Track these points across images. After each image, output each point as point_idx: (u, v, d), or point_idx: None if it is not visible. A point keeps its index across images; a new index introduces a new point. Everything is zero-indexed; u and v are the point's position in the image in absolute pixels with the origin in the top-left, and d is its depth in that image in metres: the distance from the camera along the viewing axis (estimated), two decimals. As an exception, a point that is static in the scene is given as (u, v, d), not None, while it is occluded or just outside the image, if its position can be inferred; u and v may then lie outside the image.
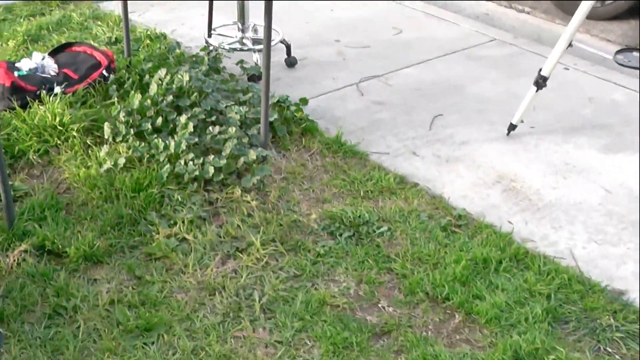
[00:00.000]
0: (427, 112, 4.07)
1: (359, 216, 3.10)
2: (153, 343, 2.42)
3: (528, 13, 5.76)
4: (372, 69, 4.55)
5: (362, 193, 3.29)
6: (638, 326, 2.59)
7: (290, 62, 4.53)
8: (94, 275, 2.73)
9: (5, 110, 3.62)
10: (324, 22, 5.21)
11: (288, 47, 4.52)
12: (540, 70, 3.64)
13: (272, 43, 3.82)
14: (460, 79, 4.48)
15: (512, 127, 3.84)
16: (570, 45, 3.55)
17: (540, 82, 3.67)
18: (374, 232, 3.03)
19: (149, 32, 4.72)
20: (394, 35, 5.11)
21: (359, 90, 4.29)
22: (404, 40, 5.03)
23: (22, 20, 5.05)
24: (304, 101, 3.90)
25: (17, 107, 3.58)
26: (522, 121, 3.84)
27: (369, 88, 4.33)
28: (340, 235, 3.00)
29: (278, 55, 4.50)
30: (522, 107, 3.77)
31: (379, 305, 2.67)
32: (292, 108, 3.80)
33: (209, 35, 4.64)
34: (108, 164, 3.25)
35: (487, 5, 5.86)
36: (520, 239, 3.05)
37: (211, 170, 3.20)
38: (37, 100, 3.65)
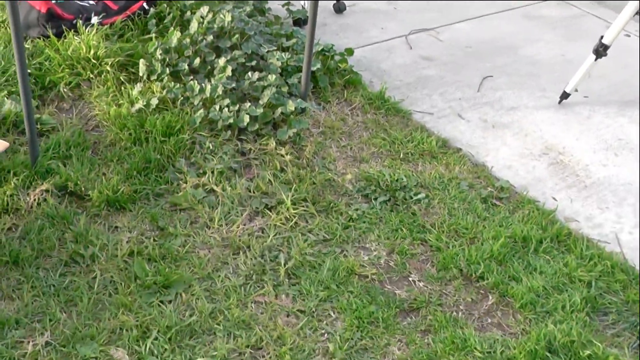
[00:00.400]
0: (477, 72, 3.87)
1: (397, 180, 2.94)
2: (170, 302, 2.32)
3: (592, -29, 5.46)
4: (423, 21, 4.33)
5: (401, 155, 3.14)
6: (683, 326, 2.43)
7: (339, 8, 4.33)
8: (115, 222, 2.62)
9: (39, 38, 3.49)
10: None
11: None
12: (602, 37, 3.41)
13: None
14: (514, 39, 4.25)
15: (564, 95, 3.64)
16: (638, 12, 3.32)
17: (601, 51, 3.44)
18: (411, 198, 2.88)
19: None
20: (449, -15, 4.87)
21: (408, 43, 4.09)
22: (459, -8, 4.79)
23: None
24: (350, 52, 3.72)
25: (52, 36, 3.45)
26: (576, 90, 3.62)
27: (418, 41, 4.13)
28: (375, 199, 2.86)
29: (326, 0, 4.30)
30: (577, 75, 3.56)
31: (410, 278, 2.54)
32: (337, 58, 3.62)
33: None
34: (140, 104, 3.12)
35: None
36: (563, 218, 2.89)
37: (246, 118, 3.05)
38: (72, 30, 3.51)
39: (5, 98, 3.04)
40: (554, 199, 3.00)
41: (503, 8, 4.60)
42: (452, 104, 3.57)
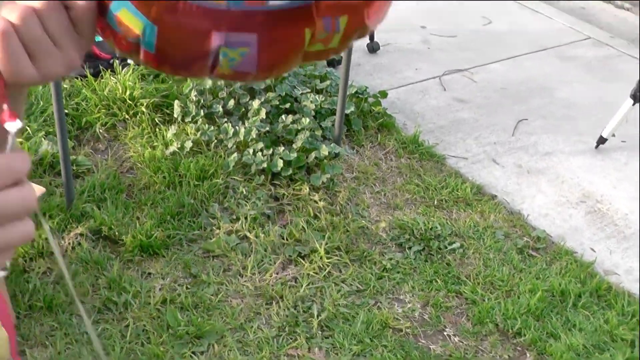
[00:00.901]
0: (511, 115, 3.83)
1: (431, 228, 2.91)
2: (202, 353, 2.29)
3: (628, 10, 5.42)
4: (457, 62, 4.31)
5: (435, 201, 3.10)
6: None
7: (373, 48, 4.33)
8: (148, 269, 2.62)
9: (77, 78, 3.52)
10: (411, 6, 4.96)
11: (371, 31, 4.31)
12: (640, 81, 3.37)
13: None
14: (549, 80, 4.22)
15: (601, 140, 3.59)
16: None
17: (638, 95, 3.40)
18: (445, 247, 2.84)
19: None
20: (483, 25, 4.84)
21: (442, 85, 4.07)
22: (493, 32, 4.76)
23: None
24: (383, 94, 3.70)
25: (89, 75, 3.48)
26: (613, 135, 3.58)
27: (452, 82, 4.10)
28: (409, 248, 2.83)
29: (360, 40, 4.28)
30: (614, 119, 3.51)
31: (444, 333, 2.50)
32: (370, 100, 3.61)
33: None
34: (174, 146, 3.13)
35: (584, -1, 5.54)
36: (602, 271, 2.83)
37: (280, 163, 3.04)
38: (109, 69, 3.54)
39: (43, 138, 3.05)
40: (592, 250, 2.95)
41: (537, 48, 4.57)
42: (486, 149, 3.53)
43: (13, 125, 0.59)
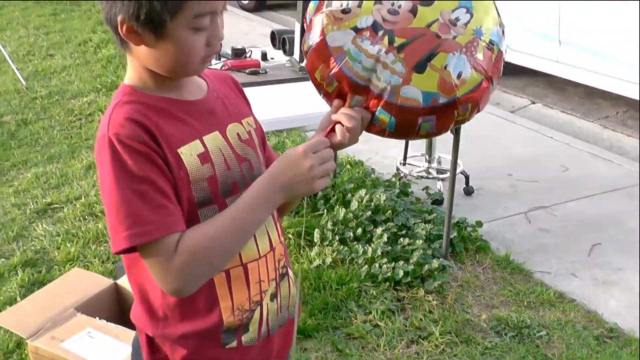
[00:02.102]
0: (588, 241, 4.62)
1: (522, 321, 3.69)
2: (353, 398, 3.10)
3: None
4: (540, 201, 5.17)
5: (525, 303, 3.89)
6: None
7: (468, 191, 5.24)
8: (304, 345, 3.47)
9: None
10: (499, 158, 5.91)
11: (467, 178, 5.25)
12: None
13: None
14: (620, 214, 5.00)
15: (666, 259, 4.32)
16: None
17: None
18: (534, 334, 3.60)
19: (349, 159, 5.61)
20: (561, 172, 5.72)
21: (527, 219, 4.92)
22: (570, 177, 5.63)
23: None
24: (479, 224, 4.58)
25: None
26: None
27: (536, 217, 4.95)
28: (505, 334, 3.60)
29: (457, 184, 5.21)
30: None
31: (536, 392, 3.24)
32: (469, 229, 4.49)
33: (403, 164, 5.46)
34: (317, 262, 4.06)
35: (652, 150, 6.37)
36: (666, 354, 3.52)
37: (400, 273, 3.91)
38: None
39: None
40: (656, 338, 3.65)
41: (609, 189, 5.39)
42: (566, 265, 4.32)
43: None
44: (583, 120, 7.18)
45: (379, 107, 1.63)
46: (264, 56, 4.48)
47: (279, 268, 1.77)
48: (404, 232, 4.31)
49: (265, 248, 1.72)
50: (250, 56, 4.43)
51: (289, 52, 4.48)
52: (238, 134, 1.70)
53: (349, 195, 4.71)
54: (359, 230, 4.28)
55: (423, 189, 5.06)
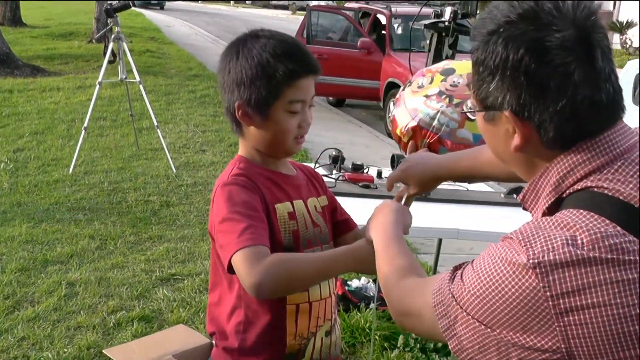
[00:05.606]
0: None
1: None
2: None
3: None
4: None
5: None
6: None
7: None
8: None
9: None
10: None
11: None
12: None
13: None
14: None
15: None
16: None
17: None
18: None
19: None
20: None
21: None
22: None
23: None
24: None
25: (341, 310, 4.92)
26: None
27: None
28: None
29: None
30: None
31: None
32: None
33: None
34: (395, 363, 4.41)
35: None
36: None
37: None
38: (356, 309, 4.97)
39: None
40: None
41: None
42: None
43: None
44: None
45: (440, 147, 2.22)
46: (379, 174, 4.99)
47: (333, 312, 2.23)
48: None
49: (325, 294, 2.20)
50: (367, 172, 4.95)
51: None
52: (315, 206, 2.23)
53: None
54: (439, 344, 4.60)
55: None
